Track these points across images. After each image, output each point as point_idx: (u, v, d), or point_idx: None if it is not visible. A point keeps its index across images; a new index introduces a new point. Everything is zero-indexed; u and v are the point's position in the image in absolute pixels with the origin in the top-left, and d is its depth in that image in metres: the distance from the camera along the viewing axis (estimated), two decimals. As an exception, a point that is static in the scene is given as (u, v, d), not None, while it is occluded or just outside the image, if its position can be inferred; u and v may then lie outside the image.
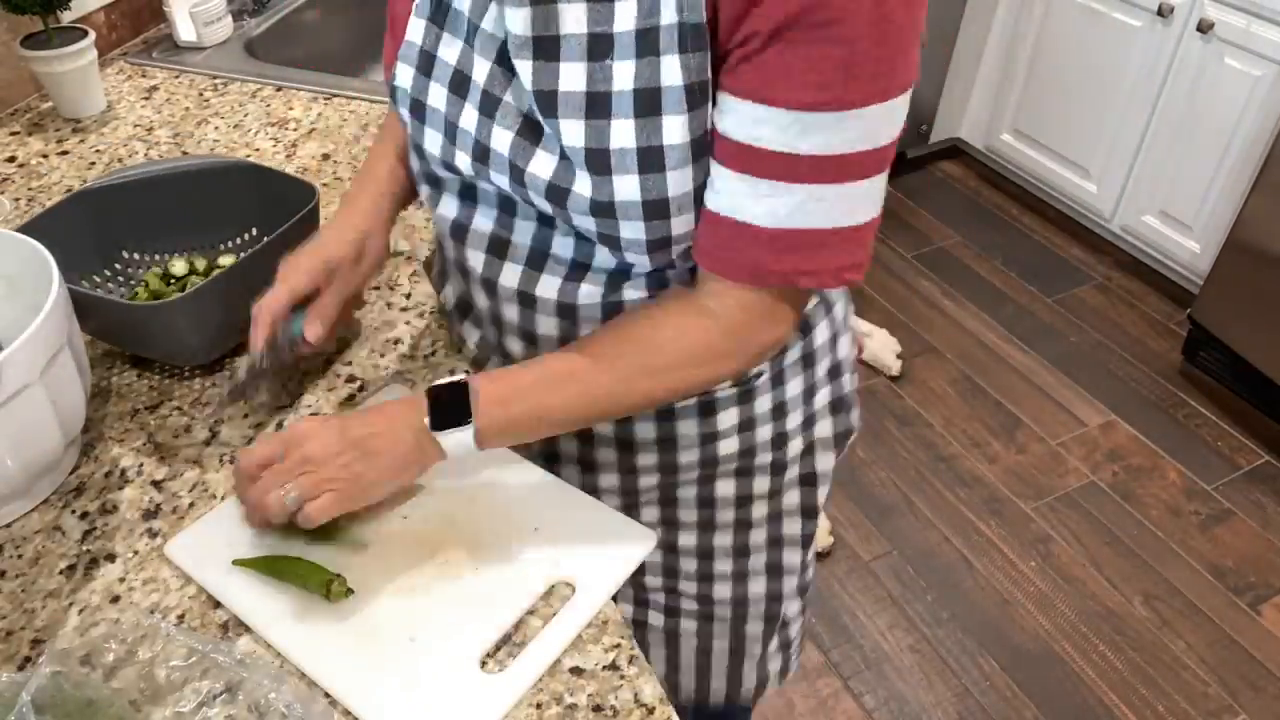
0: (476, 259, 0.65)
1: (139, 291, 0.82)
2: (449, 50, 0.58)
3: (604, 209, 0.53)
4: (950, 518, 1.69)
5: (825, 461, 0.76)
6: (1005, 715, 1.40)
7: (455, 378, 0.59)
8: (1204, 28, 1.84)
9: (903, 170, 2.56)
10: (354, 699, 0.55)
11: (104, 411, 0.75)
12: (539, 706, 0.56)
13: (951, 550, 1.64)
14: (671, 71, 0.50)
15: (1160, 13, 1.91)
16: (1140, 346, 2.04)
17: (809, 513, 0.79)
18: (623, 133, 0.51)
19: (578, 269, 0.61)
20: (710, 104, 0.51)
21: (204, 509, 0.67)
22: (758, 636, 0.85)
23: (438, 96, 0.59)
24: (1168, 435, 1.83)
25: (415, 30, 0.60)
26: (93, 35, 1.12)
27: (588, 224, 0.55)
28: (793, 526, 0.79)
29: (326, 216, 0.97)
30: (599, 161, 0.52)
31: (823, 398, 0.73)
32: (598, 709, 0.56)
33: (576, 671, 0.57)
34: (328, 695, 0.56)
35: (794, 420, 0.72)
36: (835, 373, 0.74)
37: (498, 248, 0.64)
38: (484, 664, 0.57)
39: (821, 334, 0.71)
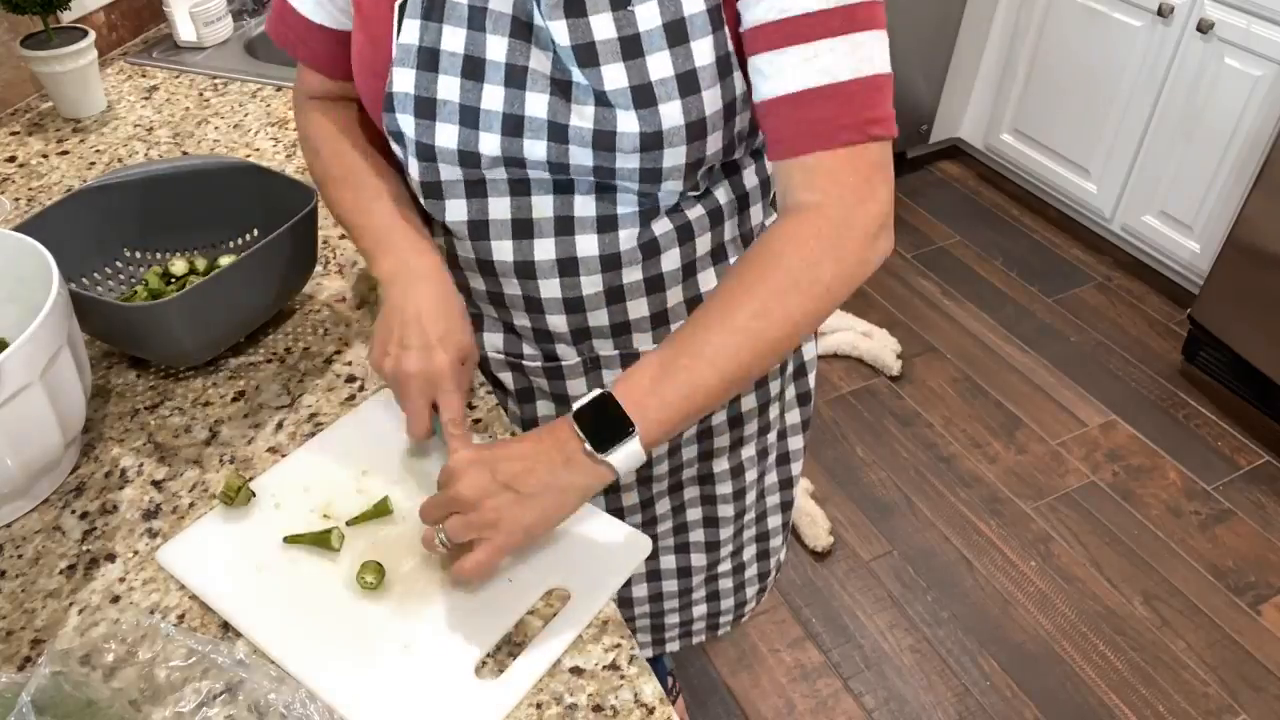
0: (503, 248, 0.66)
1: (139, 291, 0.82)
2: (453, 40, 0.58)
3: (652, 140, 0.58)
4: (950, 518, 1.69)
5: (809, 350, 0.86)
6: (1005, 715, 1.40)
7: (591, 394, 0.56)
8: (1204, 28, 1.84)
9: (903, 170, 2.56)
10: (348, 707, 0.55)
11: (104, 411, 0.75)
12: (539, 706, 0.56)
13: (951, 550, 1.64)
14: (693, 0, 0.56)
15: (1160, 13, 1.91)
16: (1140, 346, 2.04)
17: (804, 400, 0.88)
18: (660, 64, 0.56)
19: (606, 221, 0.65)
20: (725, 25, 0.57)
21: (204, 509, 0.67)
22: (779, 528, 0.95)
23: (449, 88, 0.59)
24: (1168, 435, 1.83)
25: (410, 32, 0.59)
26: (93, 35, 1.12)
27: (632, 162, 0.59)
28: (794, 416, 0.88)
29: (326, 218, 0.97)
30: (644, 96, 0.57)
31: (790, 393, 0.84)
32: (598, 709, 0.56)
33: (576, 671, 0.57)
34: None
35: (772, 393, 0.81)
36: (800, 372, 0.85)
37: (522, 229, 0.65)
38: (478, 672, 0.57)
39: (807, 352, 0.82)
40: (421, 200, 0.67)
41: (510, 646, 0.58)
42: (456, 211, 0.65)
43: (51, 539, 0.65)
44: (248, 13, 1.38)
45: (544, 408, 0.78)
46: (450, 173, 0.63)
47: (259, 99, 1.19)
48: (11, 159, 1.08)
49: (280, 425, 0.74)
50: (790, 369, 0.85)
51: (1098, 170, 2.18)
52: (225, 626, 0.60)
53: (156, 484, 0.69)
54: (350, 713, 0.54)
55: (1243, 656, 1.47)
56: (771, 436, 0.87)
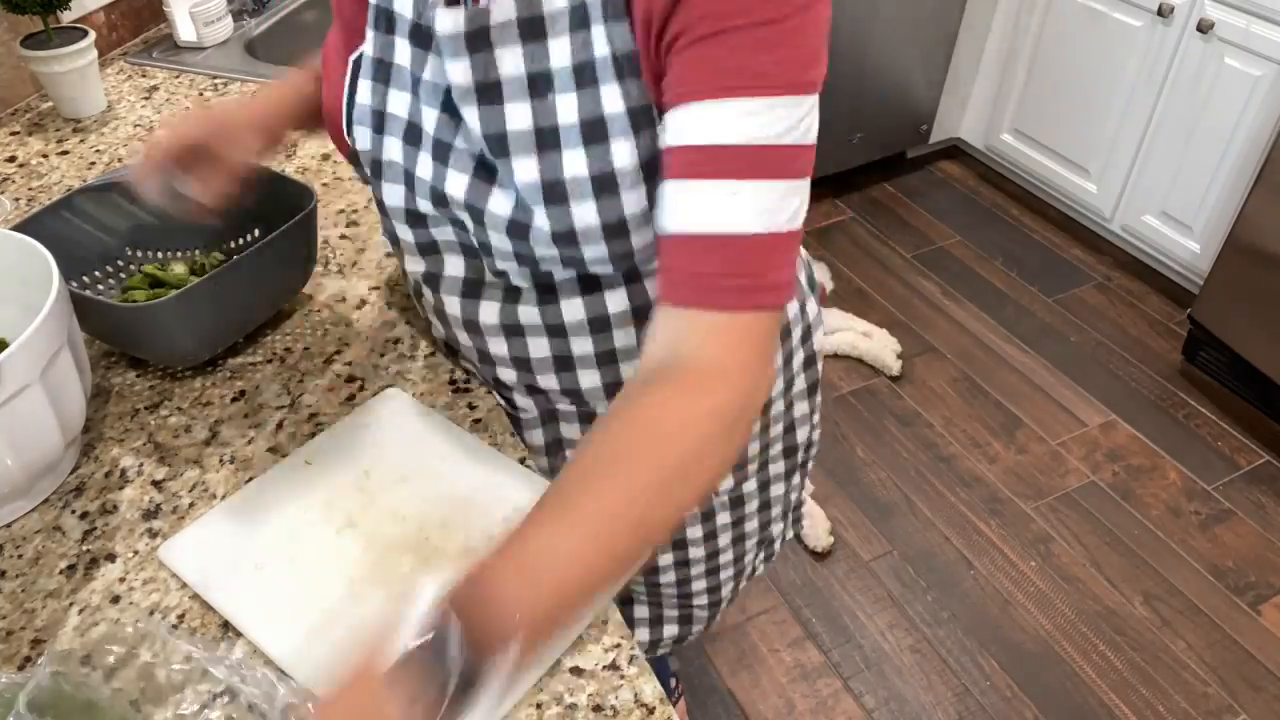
0: (453, 304, 0.66)
1: (133, 289, 0.82)
2: (398, 104, 0.58)
3: (565, 238, 0.55)
4: (950, 518, 1.69)
5: (801, 407, 0.81)
6: (1005, 715, 1.40)
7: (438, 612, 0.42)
8: (1204, 28, 1.84)
9: (903, 170, 2.56)
10: None
11: (104, 411, 0.75)
12: (539, 706, 0.56)
13: (952, 550, 1.64)
14: (612, 99, 0.51)
15: (1160, 13, 1.91)
16: (1140, 346, 2.04)
17: (790, 452, 0.83)
18: (575, 162, 0.52)
19: (546, 291, 0.62)
20: (652, 127, 0.52)
21: (204, 509, 0.67)
22: (746, 550, 0.90)
23: (393, 149, 0.59)
24: (1168, 435, 1.83)
25: (364, 92, 0.60)
26: (93, 35, 1.12)
27: (550, 252, 0.56)
28: (778, 467, 0.84)
29: (325, 218, 0.97)
30: (555, 193, 0.53)
31: (797, 359, 0.78)
32: (598, 709, 0.56)
33: (576, 671, 0.57)
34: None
35: (777, 386, 0.76)
36: (806, 335, 0.78)
37: (472, 289, 0.64)
38: None
39: (793, 304, 0.74)
40: (391, 244, 0.68)
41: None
42: (414, 263, 0.66)
43: (51, 539, 0.65)
44: (248, 13, 1.38)
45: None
46: (404, 231, 0.63)
47: (259, 99, 1.19)
48: (11, 159, 1.08)
49: (280, 425, 0.74)
50: (780, 447, 0.81)
51: (1098, 170, 2.18)
52: (225, 626, 0.60)
53: (156, 484, 0.69)
54: None
55: (1243, 657, 1.47)
56: (750, 485, 0.82)
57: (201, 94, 1.20)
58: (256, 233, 0.87)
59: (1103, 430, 1.85)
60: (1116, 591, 1.57)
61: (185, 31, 1.28)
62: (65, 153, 1.08)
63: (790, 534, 0.99)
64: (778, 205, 0.49)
